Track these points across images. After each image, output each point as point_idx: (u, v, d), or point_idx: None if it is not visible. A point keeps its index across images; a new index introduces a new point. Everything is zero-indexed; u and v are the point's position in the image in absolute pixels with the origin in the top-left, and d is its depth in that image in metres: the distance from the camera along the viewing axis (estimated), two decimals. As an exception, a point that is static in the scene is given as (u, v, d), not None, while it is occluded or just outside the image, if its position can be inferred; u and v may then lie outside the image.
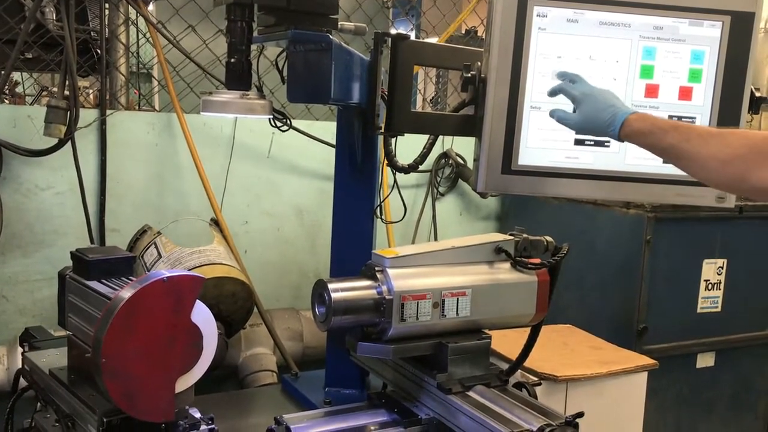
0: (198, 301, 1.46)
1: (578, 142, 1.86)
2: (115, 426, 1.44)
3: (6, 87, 5.11)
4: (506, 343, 2.26)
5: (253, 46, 1.70)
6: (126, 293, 1.37)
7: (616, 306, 3.03)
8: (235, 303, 2.61)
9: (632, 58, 1.84)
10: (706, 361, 3.16)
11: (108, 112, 2.78)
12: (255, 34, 1.64)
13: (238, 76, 1.58)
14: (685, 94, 1.86)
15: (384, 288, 1.71)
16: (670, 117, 1.87)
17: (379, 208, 2.18)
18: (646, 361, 2.55)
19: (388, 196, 2.34)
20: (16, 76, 4.65)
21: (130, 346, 1.37)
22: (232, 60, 1.58)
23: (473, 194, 3.64)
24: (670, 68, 1.85)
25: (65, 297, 1.68)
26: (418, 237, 3.52)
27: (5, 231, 2.62)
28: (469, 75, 1.82)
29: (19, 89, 5.15)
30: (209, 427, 1.60)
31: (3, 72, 2.57)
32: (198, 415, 1.59)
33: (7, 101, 4.59)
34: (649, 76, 1.85)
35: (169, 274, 1.40)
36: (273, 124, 1.87)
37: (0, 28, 2.65)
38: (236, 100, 1.55)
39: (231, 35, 1.58)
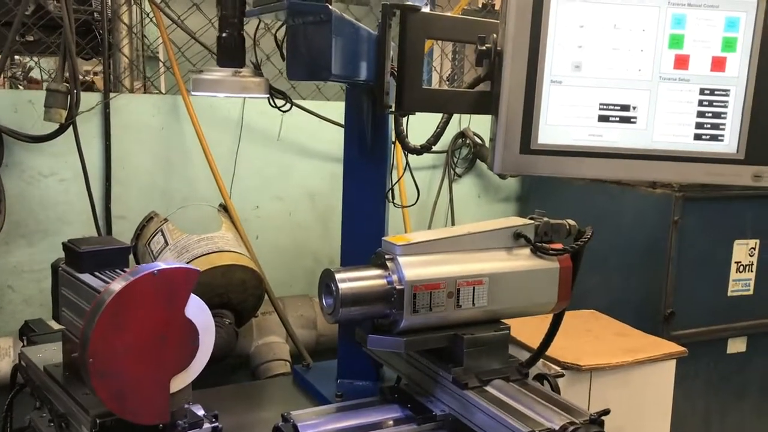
0: (193, 295, 1.37)
1: (602, 119, 1.73)
2: (109, 427, 1.37)
3: (21, 72, 5.06)
4: (527, 330, 2.15)
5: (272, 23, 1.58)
6: (114, 287, 1.28)
7: (643, 290, 2.92)
8: (244, 291, 2.53)
9: (660, 27, 1.70)
10: (737, 346, 3.05)
11: (111, 95, 2.70)
12: (250, 7, 1.54)
13: (230, 52, 1.47)
14: (718, 64, 1.72)
15: (395, 277, 1.61)
16: (702, 90, 1.74)
17: (391, 191, 2.07)
18: (675, 348, 2.44)
19: (400, 178, 2.23)
20: (30, 60, 4.57)
21: (119, 343, 1.28)
22: (224, 35, 1.46)
23: (492, 175, 3.53)
24: (701, 37, 1.71)
25: (59, 290, 1.61)
26: (435, 220, 3.42)
27: (9, 219, 2.56)
28: (484, 48, 1.70)
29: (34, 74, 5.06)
30: (212, 425, 1.52)
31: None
32: (201, 412, 1.51)
33: (21, 87, 4.53)
34: (679, 46, 1.72)
35: (159, 267, 1.31)
36: (272, 104, 1.76)
37: (-1, 9, 2.58)
38: (228, 78, 1.44)
39: (222, 8, 1.47)
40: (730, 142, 1.73)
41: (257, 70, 1.55)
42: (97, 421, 1.35)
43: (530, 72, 1.68)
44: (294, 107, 2.88)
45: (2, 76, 4.93)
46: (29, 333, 1.90)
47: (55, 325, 2.03)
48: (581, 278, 1.85)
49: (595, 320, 2.73)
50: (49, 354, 1.71)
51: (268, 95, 1.60)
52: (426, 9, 1.82)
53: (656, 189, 2.84)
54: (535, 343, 1.97)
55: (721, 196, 2.88)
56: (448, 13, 3.22)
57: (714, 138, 1.74)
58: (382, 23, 1.76)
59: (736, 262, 2.97)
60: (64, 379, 1.54)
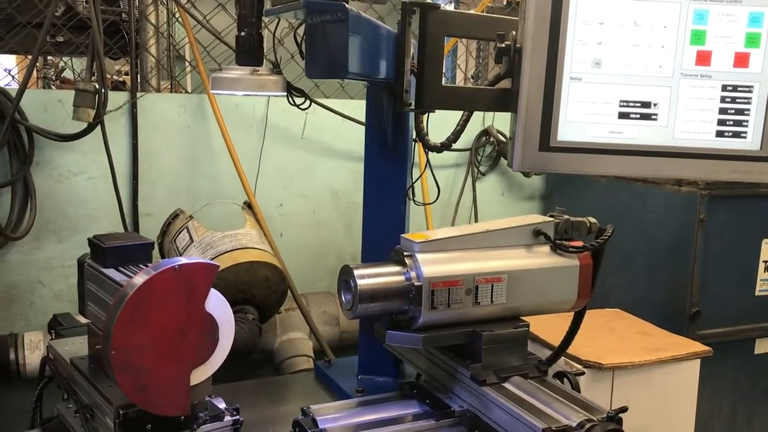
0: (213, 290, 1.39)
1: (623, 116, 1.72)
2: (132, 419, 1.39)
3: (53, 72, 5.15)
4: (549, 328, 2.15)
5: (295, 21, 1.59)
6: (135, 281, 1.31)
7: (667, 289, 2.88)
8: (268, 288, 2.55)
9: (681, 23, 1.69)
10: (765, 347, 3.00)
11: (138, 94, 2.74)
12: (268, 6, 1.56)
13: (249, 51, 1.49)
14: (741, 61, 1.70)
15: (413, 274, 1.62)
16: (725, 87, 1.72)
17: (411, 189, 2.08)
18: (699, 347, 2.41)
19: (420, 176, 2.24)
20: (61, 60, 4.65)
21: (140, 336, 1.31)
22: (242, 33, 1.49)
23: (516, 173, 3.52)
24: (724, 33, 1.69)
25: (84, 285, 1.64)
26: (458, 218, 3.41)
27: (39, 216, 2.62)
28: (504, 45, 1.69)
29: (67, 74, 5.15)
30: (233, 417, 1.54)
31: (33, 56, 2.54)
32: (222, 405, 1.53)
33: (54, 87, 4.62)
34: (701, 42, 1.70)
35: (181, 262, 1.34)
36: (291, 102, 1.79)
37: (30, 11, 2.63)
38: (246, 77, 1.47)
39: (241, 7, 1.49)
40: (753, 139, 1.71)
41: (275, 69, 1.57)
42: (121, 413, 1.38)
43: (549, 69, 1.68)
44: (317, 106, 2.91)
45: (36, 76, 5.02)
46: (57, 326, 1.94)
47: (83, 320, 2.08)
48: (605, 277, 1.83)
49: (619, 319, 2.70)
50: (75, 347, 1.74)
51: (285, 93, 1.62)
52: (450, 7, 1.82)
53: (681, 187, 2.81)
54: (557, 341, 1.96)
55: (749, 194, 2.84)
56: (471, 11, 3.21)
57: (737, 135, 1.72)
58: (402, 21, 1.77)
59: (765, 262, 2.92)
60: (89, 371, 1.57)
